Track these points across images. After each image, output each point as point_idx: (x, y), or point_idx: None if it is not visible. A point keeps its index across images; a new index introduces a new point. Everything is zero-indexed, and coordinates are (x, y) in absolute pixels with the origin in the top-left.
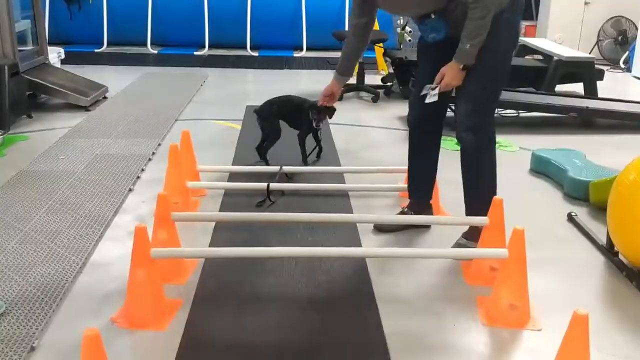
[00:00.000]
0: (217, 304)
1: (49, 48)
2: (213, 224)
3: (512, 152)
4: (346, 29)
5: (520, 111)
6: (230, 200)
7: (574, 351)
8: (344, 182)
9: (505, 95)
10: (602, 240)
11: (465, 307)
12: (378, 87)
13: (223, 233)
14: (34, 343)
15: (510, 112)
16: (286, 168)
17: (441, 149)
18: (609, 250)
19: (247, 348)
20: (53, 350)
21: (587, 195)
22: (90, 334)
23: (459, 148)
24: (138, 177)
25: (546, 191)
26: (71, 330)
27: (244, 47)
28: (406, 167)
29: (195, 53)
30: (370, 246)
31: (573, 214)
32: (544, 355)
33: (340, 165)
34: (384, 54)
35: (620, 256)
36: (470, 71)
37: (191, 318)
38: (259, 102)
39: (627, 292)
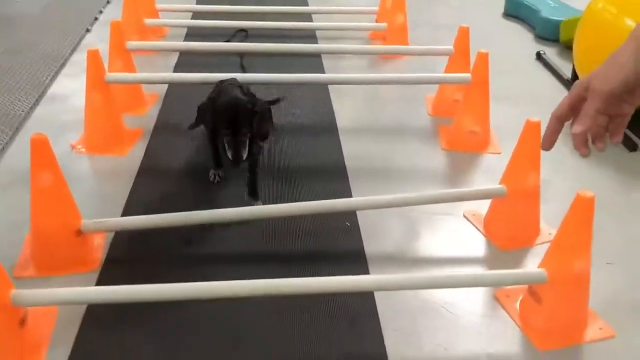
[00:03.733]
0: (176, 133)
1: None
2: (174, 62)
3: None
4: None
5: None
6: (193, 40)
7: (576, 227)
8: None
9: None
10: (568, 75)
11: (427, 135)
12: None
13: (185, 68)
14: None
15: None
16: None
17: None
18: (573, 84)
19: (204, 170)
20: (9, 173)
21: (558, 36)
22: (37, 137)
23: None
24: (96, 19)
25: (518, 33)
26: (27, 159)
27: None
28: (376, 8)
29: None
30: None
31: (542, 52)
32: (500, 174)
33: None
34: None
35: None
36: None
37: (151, 145)
38: None
39: None
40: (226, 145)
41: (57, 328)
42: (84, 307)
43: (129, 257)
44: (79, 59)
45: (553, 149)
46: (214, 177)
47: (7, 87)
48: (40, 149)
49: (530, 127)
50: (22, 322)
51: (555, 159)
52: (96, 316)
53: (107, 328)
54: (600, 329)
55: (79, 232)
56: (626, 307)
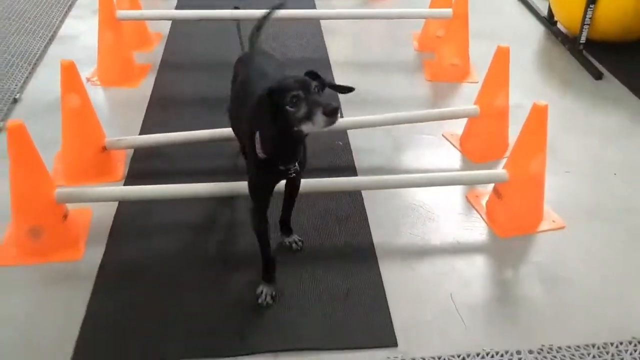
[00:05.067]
0: (181, 68)
1: None
2: (174, 3)
3: None
4: None
5: None
6: None
7: (532, 132)
8: None
9: None
10: (544, 12)
11: (412, 68)
12: None
13: (184, 9)
14: (16, 96)
15: None
16: None
17: None
18: (549, 21)
19: (210, 100)
20: (33, 103)
21: None
22: (66, 62)
23: None
24: None
25: None
26: (48, 90)
27: None
28: None
29: None
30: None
31: None
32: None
33: None
34: None
35: (559, 25)
36: None
37: (159, 78)
38: None
39: (559, 54)
40: (303, 111)
41: (92, 227)
42: (114, 209)
43: (146, 170)
44: (86, 1)
45: (527, 77)
46: (265, 297)
47: (21, 28)
48: (69, 72)
49: (500, 52)
50: (65, 217)
51: (528, 86)
52: (125, 219)
53: (136, 226)
54: (554, 221)
55: (104, 149)
56: (578, 207)
